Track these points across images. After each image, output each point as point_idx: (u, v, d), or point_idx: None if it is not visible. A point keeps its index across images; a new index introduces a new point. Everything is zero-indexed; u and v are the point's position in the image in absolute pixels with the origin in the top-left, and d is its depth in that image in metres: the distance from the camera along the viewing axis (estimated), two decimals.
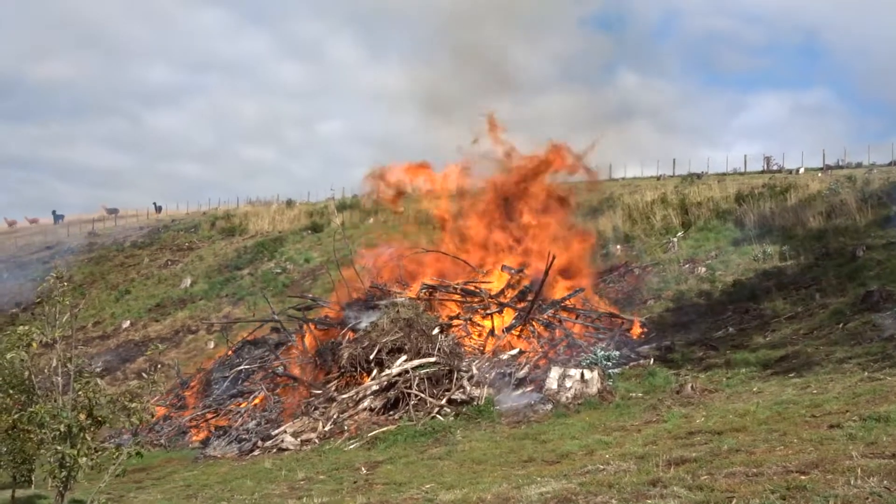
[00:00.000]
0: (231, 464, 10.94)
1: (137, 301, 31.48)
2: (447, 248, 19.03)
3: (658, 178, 35.87)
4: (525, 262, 17.52)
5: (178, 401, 16.63)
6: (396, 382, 12.05)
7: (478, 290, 16.13)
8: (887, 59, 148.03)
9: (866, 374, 9.10)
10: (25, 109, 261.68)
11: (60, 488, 6.71)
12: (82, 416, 6.70)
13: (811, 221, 19.80)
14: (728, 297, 16.57)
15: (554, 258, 15.38)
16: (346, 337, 13.88)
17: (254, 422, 13.09)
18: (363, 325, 13.84)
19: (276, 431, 11.85)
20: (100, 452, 6.78)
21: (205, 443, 13.06)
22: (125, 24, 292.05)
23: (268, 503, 7.60)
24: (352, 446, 10.61)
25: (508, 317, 15.41)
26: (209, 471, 10.49)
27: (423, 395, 11.76)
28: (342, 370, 13.06)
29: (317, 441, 11.29)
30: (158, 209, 58.10)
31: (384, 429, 11.00)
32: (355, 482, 8.16)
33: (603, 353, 12.51)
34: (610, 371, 11.89)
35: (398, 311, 13.42)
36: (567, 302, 16.12)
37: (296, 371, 14.68)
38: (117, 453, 6.83)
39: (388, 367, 12.37)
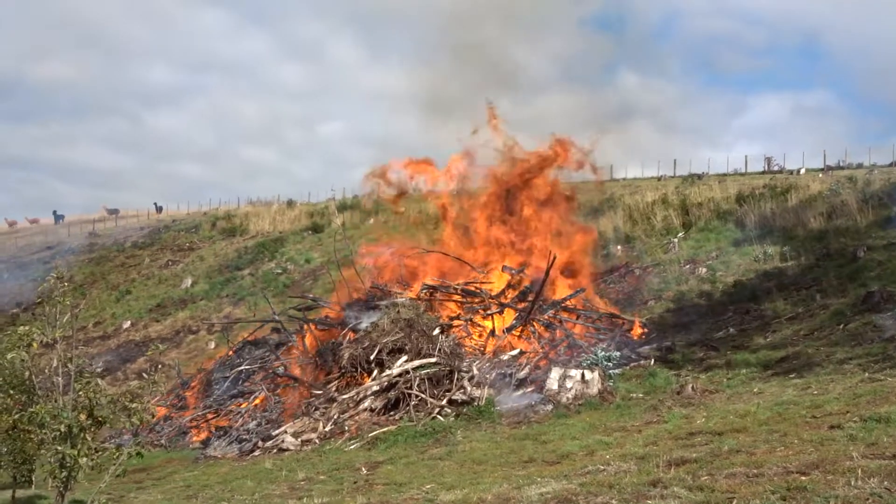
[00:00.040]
0: (231, 464, 10.95)
1: (138, 301, 31.51)
2: (448, 245, 19.01)
3: (659, 179, 35.87)
4: (526, 261, 17.50)
5: (179, 401, 16.63)
6: (397, 383, 12.05)
7: (478, 291, 16.13)
8: (888, 60, 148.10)
9: (867, 374, 9.09)
10: (25, 109, 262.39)
11: (61, 488, 6.71)
12: (83, 417, 6.70)
13: (812, 222, 19.79)
14: (729, 297, 16.57)
15: (555, 258, 15.37)
16: (347, 337, 13.89)
17: (254, 422, 13.09)
18: (364, 325, 13.84)
19: (277, 432, 11.85)
20: (100, 453, 6.78)
21: (205, 443, 13.06)
22: (125, 24, 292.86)
23: (268, 503, 7.60)
24: (352, 447, 10.61)
25: (509, 317, 15.40)
26: (209, 471, 10.49)
27: (423, 396, 11.75)
28: (343, 370, 13.06)
29: (317, 441, 11.29)
30: (159, 209, 58.15)
31: (385, 429, 11.00)
32: (356, 482, 8.17)
33: (603, 353, 12.50)
34: (610, 372, 11.89)
35: (399, 312, 13.42)
36: (568, 302, 16.11)
37: (296, 371, 14.68)
38: (118, 453, 6.83)
39: (389, 368, 12.37)
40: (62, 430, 6.48)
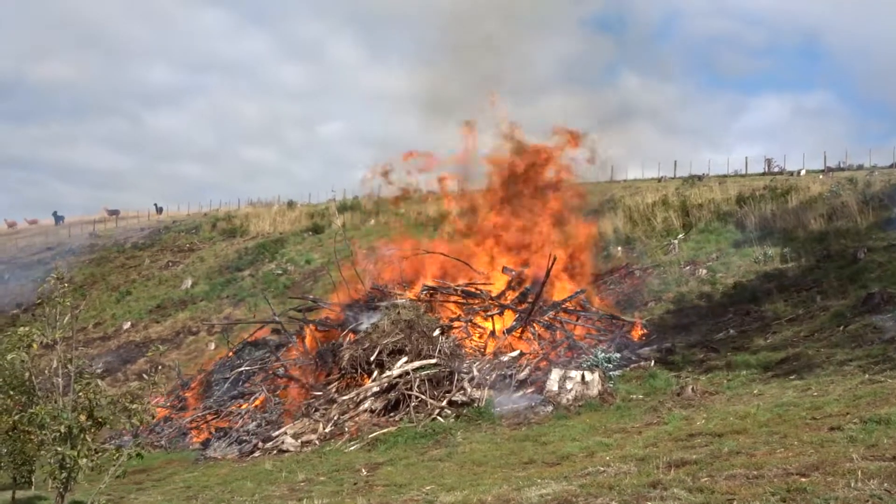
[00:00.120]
0: (231, 465, 10.95)
1: (138, 302, 31.52)
2: (450, 242, 19.01)
3: (659, 180, 35.85)
4: (527, 259, 17.50)
5: (179, 402, 16.63)
6: (397, 384, 12.05)
7: (478, 292, 16.13)
8: (888, 61, 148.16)
9: (867, 376, 9.09)
10: (26, 110, 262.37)
11: (60, 489, 6.71)
12: (83, 418, 6.71)
13: (812, 223, 19.79)
14: (729, 299, 16.55)
15: (555, 259, 15.37)
16: (347, 338, 13.89)
17: (254, 423, 13.08)
18: (364, 326, 13.84)
19: (277, 433, 11.85)
20: (100, 454, 6.79)
21: (205, 444, 13.05)
22: (125, 24, 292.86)
23: None
24: (352, 448, 10.61)
25: (509, 318, 15.40)
26: (209, 472, 10.50)
27: (423, 397, 11.75)
28: (343, 372, 13.06)
29: (317, 442, 11.29)
30: (159, 210, 58.16)
31: (385, 430, 11.00)
32: (356, 484, 8.17)
33: (604, 354, 12.49)
34: (610, 373, 11.88)
35: (399, 313, 13.42)
36: (568, 304, 16.11)
37: (296, 372, 14.67)
38: (118, 454, 6.83)
39: (389, 369, 12.37)
40: (62, 430, 6.49)
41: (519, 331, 14.76)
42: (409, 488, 7.38)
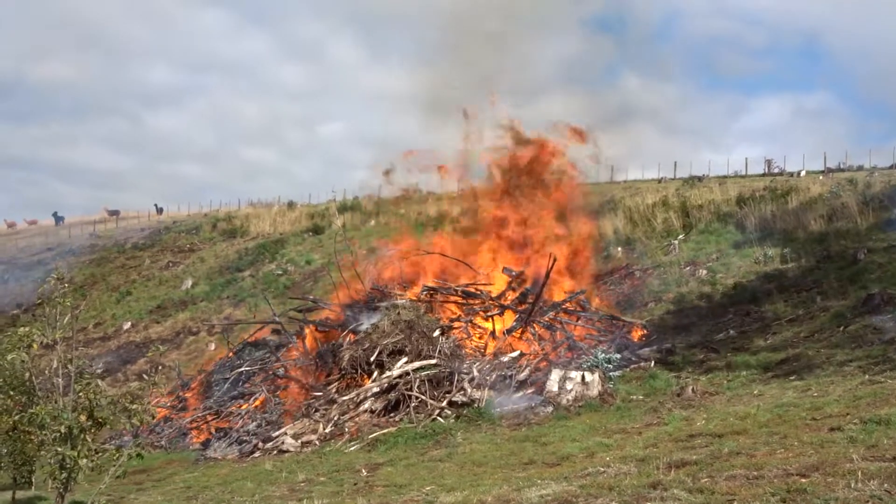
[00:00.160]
0: (231, 465, 10.95)
1: (138, 302, 31.53)
2: (450, 240, 19.01)
3: (659, 181, 35.86)
4: (528, 258, 17.50)
5: (179, 402, 16.63)
6: (397, 384, 12.05)
7: (479, 293, 16.13)
8: (889, 62, 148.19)
9: (867, 376, 9.09)
10: (26, 110, 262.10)
11: (61, 490, 6.71)
12: (83, 418, 6.71)
13: (812, 224, 19.79)
14: (729, 299, 16.56)
15: (555, 260, 15.37)
16: (347, 339, 13.88)
17: (254, 423, 13.08)
18: (364, 326, 13.84)
19: (277, 433, 11.85)
20: (100, 454, 6.79)
21: (205, 444, 13.06)
22: (125, 25, 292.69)
23: None
24: (352, 448, 10.61)
25: (509, 319, 15.40)
26: (210, 472, 10.50)
27: (423, 397, 11.75)
28: (343, 372, 13.05)
29: (317, 443, 11.30)
30: (160, 211, 58.20)
31: (385, 431, 11.00)
32: (356, 484, 8.17)
33: (604, 355, 12.49)
34: (611, 373, 11.88)
35: (399, 313, 13.42)
36: (568, 304, 16.11)
37: (296, 373, 14.67)
38: (118, 455, 6.83)
39: (389, 369, 12.37)
40: (62, 431, 6.49)
41: (519, 331, 14.76)
42: (409, 489, 7.38)
